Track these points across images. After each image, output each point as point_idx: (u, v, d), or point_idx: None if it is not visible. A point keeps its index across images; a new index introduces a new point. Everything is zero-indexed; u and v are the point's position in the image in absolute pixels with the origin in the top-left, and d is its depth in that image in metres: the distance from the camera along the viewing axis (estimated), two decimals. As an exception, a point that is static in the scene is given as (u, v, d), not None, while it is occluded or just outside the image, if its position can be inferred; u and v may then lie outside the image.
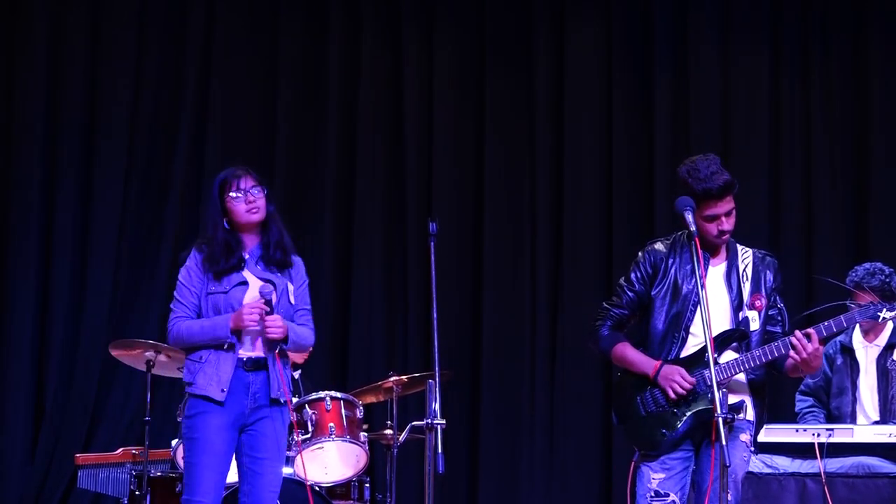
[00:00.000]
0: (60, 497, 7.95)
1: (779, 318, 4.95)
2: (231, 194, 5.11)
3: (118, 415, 8.08)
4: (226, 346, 5.02)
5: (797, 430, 6.00)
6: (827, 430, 5.94)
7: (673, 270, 4.86)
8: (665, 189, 8.08)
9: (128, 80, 8.44)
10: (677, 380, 4.75)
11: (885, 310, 4.85)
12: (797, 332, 4.74)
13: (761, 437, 5.80)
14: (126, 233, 8.33)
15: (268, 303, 5.02)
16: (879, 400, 6.31)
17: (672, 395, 4.75)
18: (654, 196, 8.22)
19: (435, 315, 5.11)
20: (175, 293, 5.14)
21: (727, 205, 4.82)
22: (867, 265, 6.47)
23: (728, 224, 4.83)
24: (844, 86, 8.26)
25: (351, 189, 8.46)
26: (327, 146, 8.49)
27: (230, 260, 5.08)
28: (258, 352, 5.08)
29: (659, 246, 4.95)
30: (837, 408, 6.41)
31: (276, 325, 5.03)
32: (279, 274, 5.15)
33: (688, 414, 4.75)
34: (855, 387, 6.38)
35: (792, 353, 4.73)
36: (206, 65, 8.53)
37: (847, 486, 5.84)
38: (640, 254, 4.98)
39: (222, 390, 4.98)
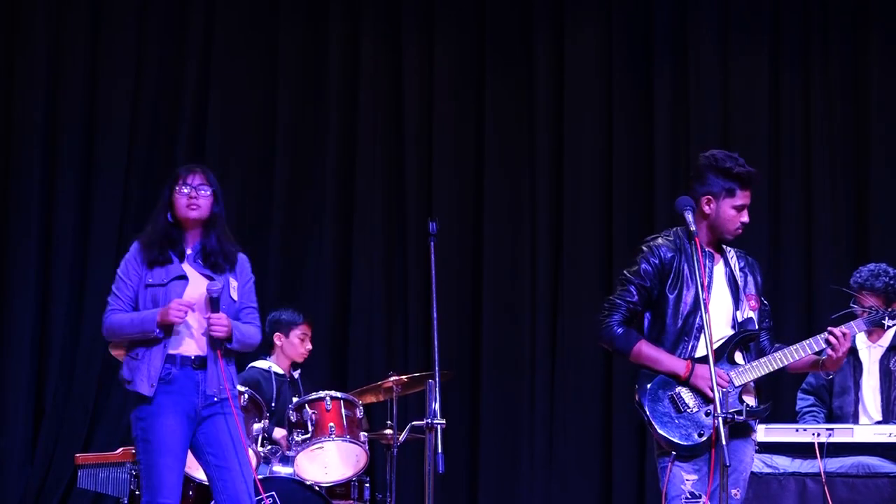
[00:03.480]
0: (60, 497, 7.95)
1: (766, 316, 4.97)
2: (177, 188, 5.14)
3: (118, 414, 8.07)
4: (156, 341, 4.97)
5: (797, 430, 5.99)
6: (827, 429, 5.93)
7: (684, 269, 4.82)
8: (665, 189, 8.08)
9: (128, 79, 8.44)
10: (715, 379, 4.71)
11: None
12: (835, 330, 4.77)
13: (761, 437, 5.81)
14: (126, 233, 8.32)
15: (214, 301, 5.02)
16: (882, 401, 6.31)
17: (711, 394, 4.64)
18: (654, 196, 8.22)
19: (435, 315, 5.12)
20: (112, 286, 5.14)
21: (750, 197, 4.85)
22: (872, 266, 6.45)
23: (748, 217, 4.85)
24: (844, 85, 8.26)
25: (351, 189, 8.46)
26: (327, 146, 8.48)
27: (165, 250, 5.08)
28: (202, 350, 5.05)
29: (662, 242, 4.88)
30: (840, 407, 6.40)
31: (220, 323, 5.02)
32: (219, 272, 5.14)
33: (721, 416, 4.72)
34: (858, 387, 6.37)
35: (828, 350, 4.76)
36: (205, 64, 8.53)
37: (847, 485, 5.84)
38: (644, 248, 4.88)
39: (151, 385, 4.95)
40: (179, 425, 4.98)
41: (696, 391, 4.73)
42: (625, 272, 4.89)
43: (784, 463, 5.94)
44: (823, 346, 4.77)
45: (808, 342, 4.79)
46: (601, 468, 8.12)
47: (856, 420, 6.30)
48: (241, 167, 8.49)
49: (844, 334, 4.75)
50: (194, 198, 5.12)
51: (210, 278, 5.10)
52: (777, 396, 7.17)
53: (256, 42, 8.61)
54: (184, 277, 5.07)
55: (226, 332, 5.03)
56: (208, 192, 5.16)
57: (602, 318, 4.88)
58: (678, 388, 4.77)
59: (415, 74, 8.54)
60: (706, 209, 4.82)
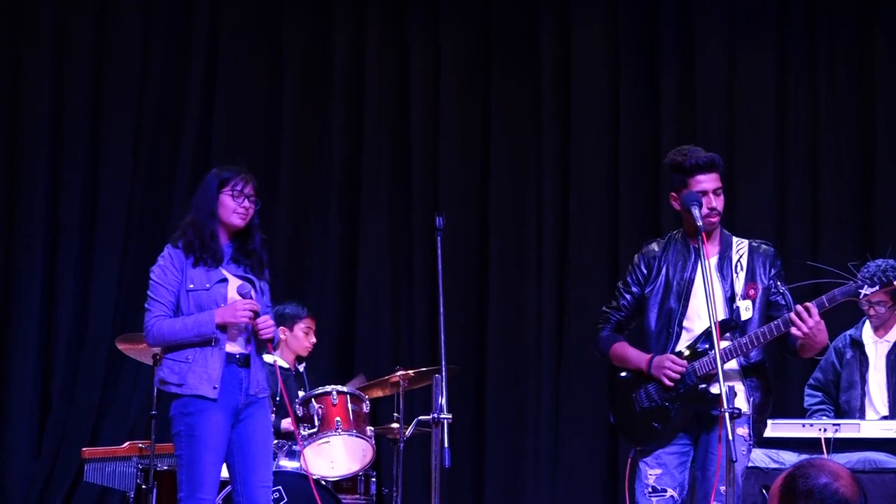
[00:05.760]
0: (67, 491, 7.96)
1: (783, 302, 4.96)
2: (229, 192, 5.14)
3: (124, 408, 8.10)
4: (213, 343, 5.02)
5: (804, 426, 6.00)
6: (833, 425, 5.93)
7: (665, 267, 4.92)
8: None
9: (133, 75, 8.45)
10: (668, 366, 4.80)
11: (865, 286, 4.82)
12: (796, 307, 4.74)
13: (768, 432, 5.80)
14: (132, 228, 8.34)
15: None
16: (889, 395, 6.31)
17: (667, 382, 4.78)
18: (660, 190, 8.19)
19: (441, 310, 5.13)
20: (150, 292, 5.12)
21: (714, 182, 4.89)
22: (879, 262, 6.43)
23: (718, 203, 4.86)
24: (850, 80, 8.24)
25: (357, 184, 8.46)
26: (333, 141, 8.49)
27: (215, 250, 5.09)
28: (245, 348, 5.11)
29: (653, 246, 5.05)
30: (847, 402, 6.40)
31: (267, 325, 5.08)
32: (253, 275, 5.18)
33: (677, 405, 4.77)
34: (864, 381, 6.37)
35: (793, 329, 4.72)
36: (211, 60, 8.53)
37: (853, 481, 5.82)
38: (635, 256, 5.07)
39: (214, 387, 5.00)
40: (224, 422, 5.02)
41: (659, 383, 4.81)
42: (618, 283, 5.09)
43: (790, 458, 5.92)
44: (778, 331, 4.74)
45: (775, 323, 4.76)
46: (606, 464, 8.11)
47: (862, 415, 6.30)
48: (246, 162, 8.43)
49: (807, 309, 4.69)
50: (247, 208, 5.15)
51: (248, 279, 5.13)
52: (783, 392, 7.17)
53: (262, 36, 8.61)
54: (225, 280, 5.11)
55: (272, 333, 5.10)
56: (257, 206, 5.18)
57: (595, 327, 5.09)
58: (643, 384, 4.86)
59: (421, 69, 8.53)
60: (675, 206, 4.95)
